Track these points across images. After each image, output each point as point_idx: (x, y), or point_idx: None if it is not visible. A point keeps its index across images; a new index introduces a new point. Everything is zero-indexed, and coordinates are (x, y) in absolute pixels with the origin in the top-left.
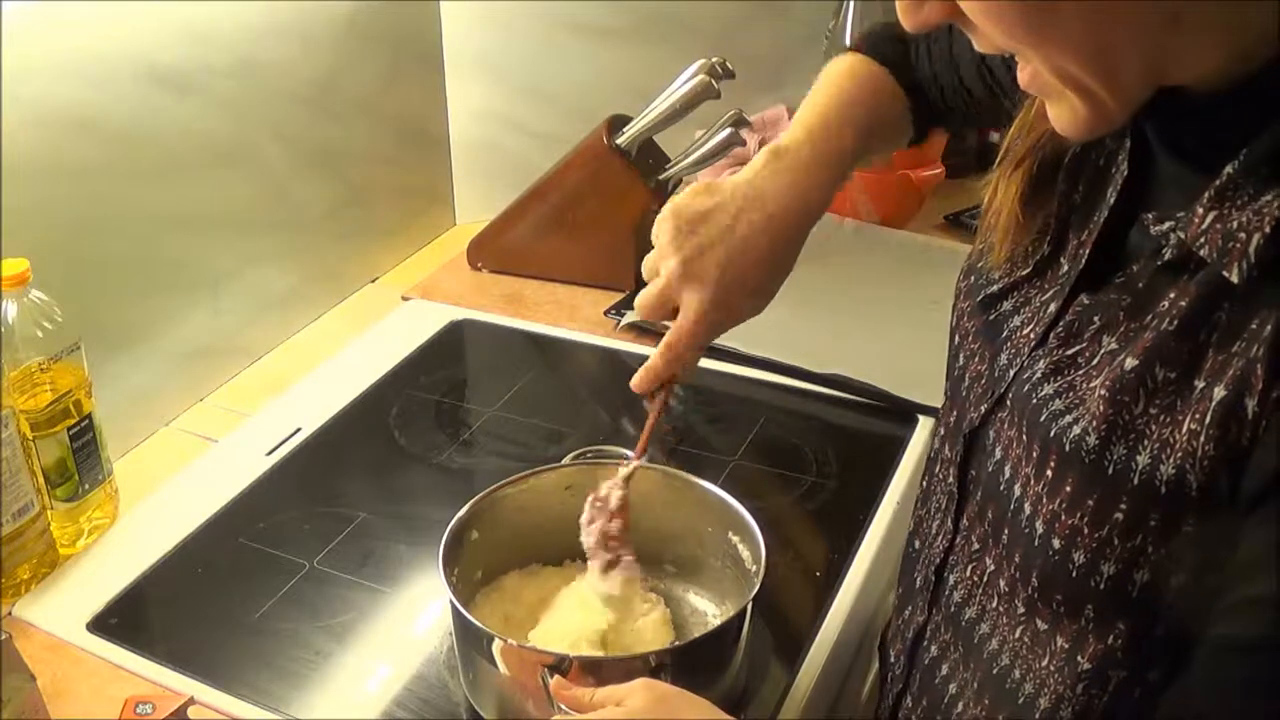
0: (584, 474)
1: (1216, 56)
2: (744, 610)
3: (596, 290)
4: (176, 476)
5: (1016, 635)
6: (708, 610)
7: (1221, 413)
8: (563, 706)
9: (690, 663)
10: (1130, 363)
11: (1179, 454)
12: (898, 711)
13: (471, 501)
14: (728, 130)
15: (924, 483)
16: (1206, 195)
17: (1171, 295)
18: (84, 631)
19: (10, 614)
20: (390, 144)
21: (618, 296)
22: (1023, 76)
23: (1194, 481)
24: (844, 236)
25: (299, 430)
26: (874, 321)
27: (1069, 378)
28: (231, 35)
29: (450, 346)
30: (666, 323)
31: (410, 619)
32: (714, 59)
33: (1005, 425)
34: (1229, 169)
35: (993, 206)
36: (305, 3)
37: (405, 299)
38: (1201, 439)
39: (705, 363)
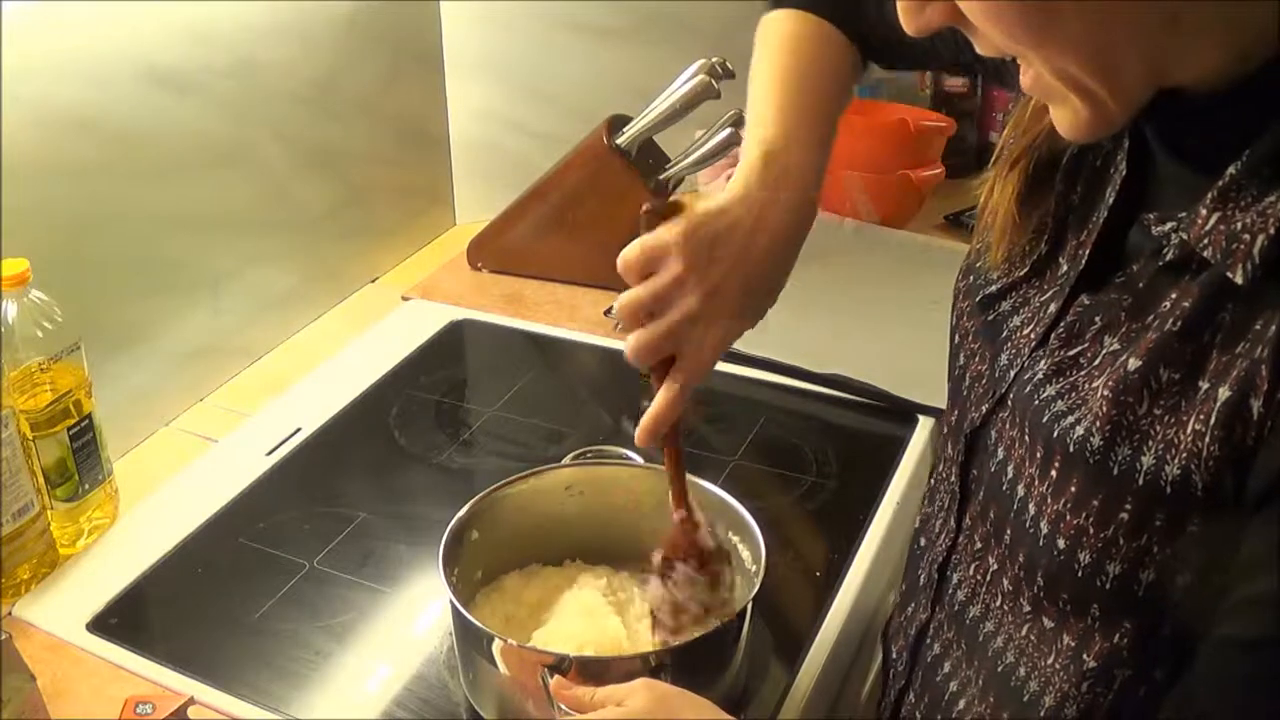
0: (584, 474)
1: (1216, 57)
2: (744, 610)
3: (596, 290)
4: (176, 476)
5: (1023, 633)
6: None
7: (1227, 413)
8: (563, 706)
9: (690, 663)
10: (1133, 363)
11: (1184, 454)
12: (900, 708)
13: (471, 501)
14: (728, 130)
15: (931, 480)
16: (1209, 196)
17: (1173, 296)
18: (84, 631)
19: (10, 614)
20: (390, 144)
21: (617, 296)
22: (1024, 80)
23: (1199, 482)
24: (844, 236)
25: (299, 430)
26: (874, 321)
27: (1071, 378)
28: (231, 35)
29: (450, 346)
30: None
31: (410, 619)
32: (714, 59)
33: (1007, 425)
34: (1231, 170)
35: (989, 206)
36: (305, 3)
37: (405, 299)
38: (1206, 439)
39: None
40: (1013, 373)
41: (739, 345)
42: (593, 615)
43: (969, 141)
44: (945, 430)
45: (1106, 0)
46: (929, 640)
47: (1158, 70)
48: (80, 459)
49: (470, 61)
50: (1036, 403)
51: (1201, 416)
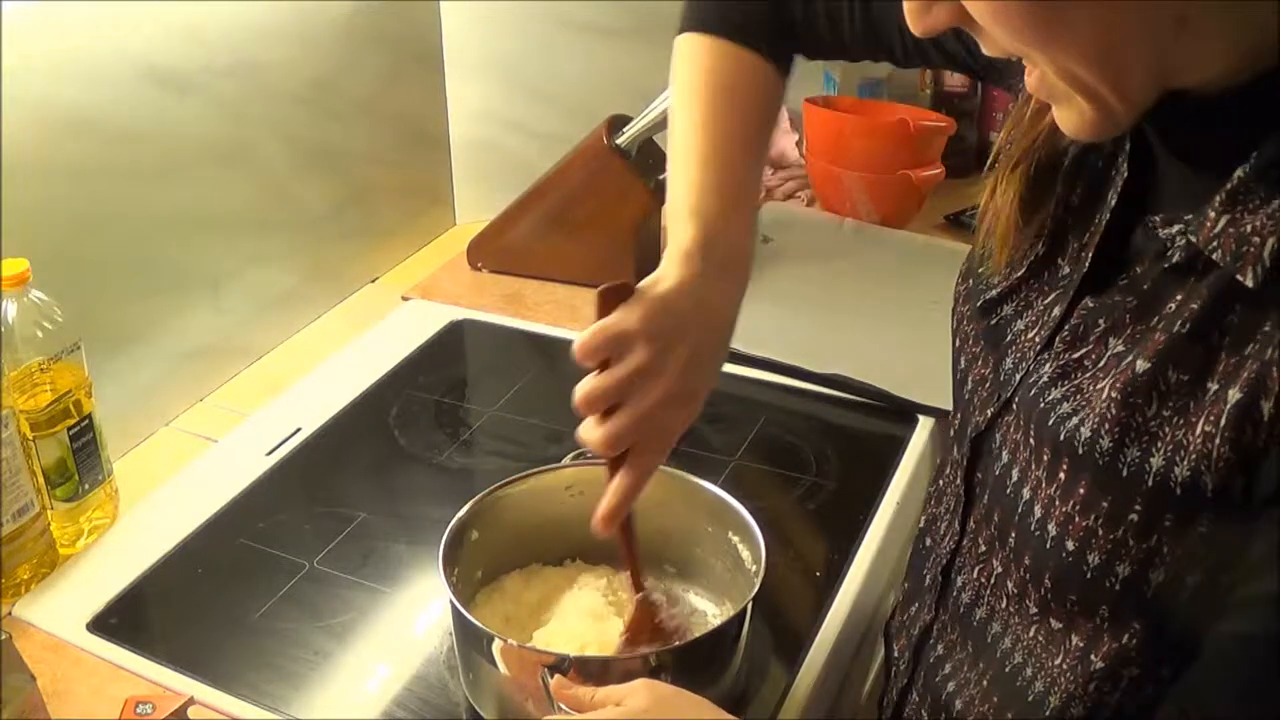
0: (584, 474)
1: (1223, 59)
2: (744, 610)
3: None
4: (176, 476)
5: (1030, 634)
6: (708, 610)
7: (1237, 415)
8: (563, 706)
9: (690, 663)
10: (1141, 365)
11: (1193, 456)
12: (903, 707)
13: (471, 501)
14: None
15: (938, 482)
16: (1218, 199)
17: (1179, 297)
18: (84, 631)
19: (10, 614)
20: (390, 144)
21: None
22: (1030, 81)
23: (1209, 483)
24: (844, 236)
25: (299, 430)
26: (874, 321)
27: (1076, 381)
28: (231, 35)
29: (450, 346)
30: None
31: (410, 619)
32: None
33: (1012, 429)
34: (1240, 172)
35: (990, 210)
36: (305, 3)
37: (405, 299)
38: (1216, 441)
39: None
40: (1018, 377)
41: (739, 345)
42: (593, 615)
43: (969, 141)
44: (951, 433)
45: (1114, 1)
46: (933, 641)
47: (1164, 71)
48: (80, 459)
49: (470, 61)
50: (1042, 406)
51: (1211, 418)
